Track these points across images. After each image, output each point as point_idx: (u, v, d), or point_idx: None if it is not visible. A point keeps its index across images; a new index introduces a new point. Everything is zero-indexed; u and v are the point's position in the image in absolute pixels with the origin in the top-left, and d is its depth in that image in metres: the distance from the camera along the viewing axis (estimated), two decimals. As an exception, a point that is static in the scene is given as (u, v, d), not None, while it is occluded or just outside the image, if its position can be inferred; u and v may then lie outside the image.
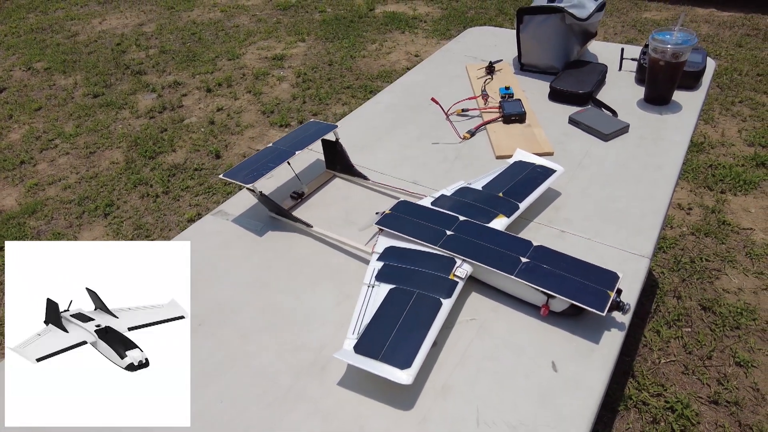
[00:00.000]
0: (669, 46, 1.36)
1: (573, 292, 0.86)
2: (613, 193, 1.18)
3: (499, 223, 1.02)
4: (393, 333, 0.83)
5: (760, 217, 2.46)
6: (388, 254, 0.99)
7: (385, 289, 0.91)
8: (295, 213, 1.22)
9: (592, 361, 0.83)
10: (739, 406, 1.77)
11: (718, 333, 1.99)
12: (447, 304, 0.87)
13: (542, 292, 0.87)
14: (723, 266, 2.24)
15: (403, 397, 0.80)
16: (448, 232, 1.00)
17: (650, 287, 2.20)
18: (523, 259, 0.92)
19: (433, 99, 1.36)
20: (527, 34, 1.66)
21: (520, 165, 1.20)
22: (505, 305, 0.94)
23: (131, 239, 2.73)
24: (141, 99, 4.08)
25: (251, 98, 3.95)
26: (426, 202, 1.10)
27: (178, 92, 4.12)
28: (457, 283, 0.91)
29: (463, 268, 0.93)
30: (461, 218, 1.03)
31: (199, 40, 5.05)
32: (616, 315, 0.89)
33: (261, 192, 1.14)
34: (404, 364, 0.78)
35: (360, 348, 0.82)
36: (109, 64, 4.70)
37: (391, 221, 1.05)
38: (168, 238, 2.74)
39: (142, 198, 3.01)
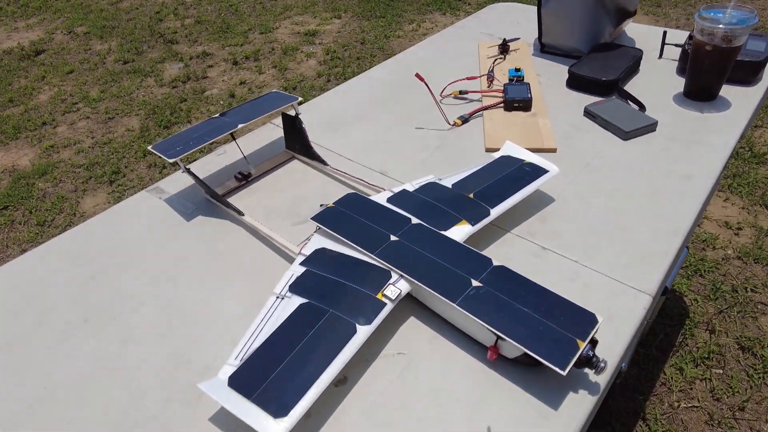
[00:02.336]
0: (720, 26, 1.08)
1: (529, 335, 0.64)
2: (622, 204, 0.93)
3: (460, 232, 0.81)
4: (282, 365, 0.64)
5: (827, 245, 2.09)
6: (315, 258, 0.79)
7: (296, 303, 0.72)
8: (236, 197, 1.04)
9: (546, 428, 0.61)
10: (770, 472, 1.48)
11: (757, 380, 1.68)
12: (363, 331, 0.67)
13: (489, 329, 0.65)
14: (772, 300, 1.91)
15: (283, 450, 0.61)
16: (392, 238, 0.79)
17: (679, 315, 1.90)
18: (474, 283, 0.71)
19: (417, 75, 1.14)
20: (549, 9, 1.40)
21: (505, 161, 0.97)
22: (447, 339, 0.73)
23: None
24: (168, 68, 4.02)
25: (276, 73, 3.81)
26: (382, 198, 0.90)
27: (204, 63, 4.04)
28: (384, 305, 0.70)
29: (396, 286, 0.72)
30: (414, 221, 0.82)
31: (236, 12, 4.96)
32: (589, 374, 0.66)
33: (188, 168, 0.97)
34: (280, 411, 0.59)
35: (236, 380, 0.63)
36: (145, 31, 4.68)
37: (331, 217, 0.85)
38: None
39: (149, 168, 2.94)
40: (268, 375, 0.63)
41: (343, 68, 3.78)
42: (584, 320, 0.65)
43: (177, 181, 1.10)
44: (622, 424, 1.58)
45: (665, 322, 1.93)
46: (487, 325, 0.65)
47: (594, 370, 0.62)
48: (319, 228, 0.85)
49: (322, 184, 1.05)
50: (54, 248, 0.95)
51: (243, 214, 0.95)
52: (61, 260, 0.92)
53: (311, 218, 0.86)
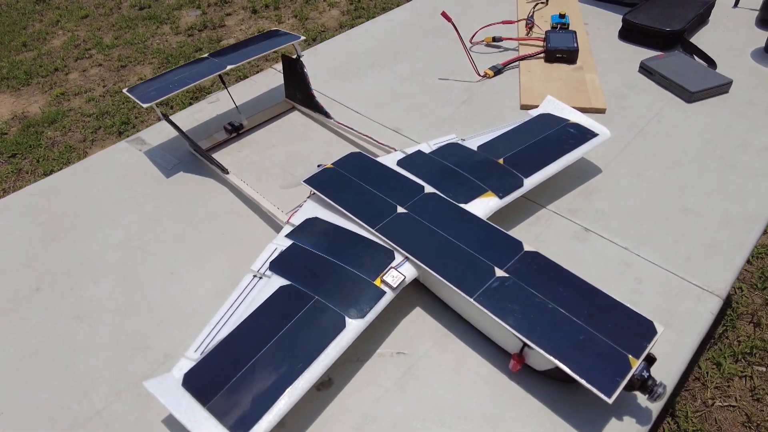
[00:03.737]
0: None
1: (565, 345, 0.49)
2: (685, 181, 0.76)
3: (484, 206, 0.65)
4: (249, 364, 0.51)
5: None
6: (304, 230, 0.66)
7: (275, 284, 0.59)
8: (224, 152, 0.90)
9: None
10: (814, 484, 1.33)
11: (805, 382, 1.50)
12: (354, 326, 0.54)
13: (514, 334, 0.51)
14: (829, 293, 1.72)
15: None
16: (399, 210, 0.65)
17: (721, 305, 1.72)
18: (498, 273, 0.56)
19: (444, 14, 0.96)
20: (606, -58, 1.18)
21: (545, 120, 0.80)
22: (461, 339, 0.59)
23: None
24: (185, 15, 3.84)
25: (296, 23, 3.60)
26: (391, 160, 0.74)
27: (223, 11, 3.84)
28: (383, 294, 0.56)
29: (399, 271, 0.58)
30: (428, 190, 0.67)
31: (259, -43, 4.69)
32: (639, 397, 0.52)
33: (166, 115, 0.83)
34: (239, 424, 0.47)
35: (192, 379, 0.51)
36: (163, -25, 4.47)
37: (327, 181, 0.71)
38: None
39: (158, 119, 2.81)
40: (231, 375, 0.50)
41: (367, 18, 3.54)
42: (639, 330, 0.50)
43: (161, 132, 0.97)
44: (648, 420, 1.45)
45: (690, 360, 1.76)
46: (511, 329, 0.51)
47: (648, 395, 0.48)
48: (313, 193, 0.71)
49: (325, 142, 0.90)
50: (14, 203, 0.83)
51: (228, 172, 0.81)
52: (20, 217, 0.80)
53: (304, 181, 0.72)
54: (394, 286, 0.57)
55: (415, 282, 0.63)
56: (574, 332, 0.50)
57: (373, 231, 0.63)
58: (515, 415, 0.51)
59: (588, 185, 0.76)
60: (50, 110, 2.97)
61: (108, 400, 0.56)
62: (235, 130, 0.92)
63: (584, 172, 0.78)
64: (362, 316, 0.54)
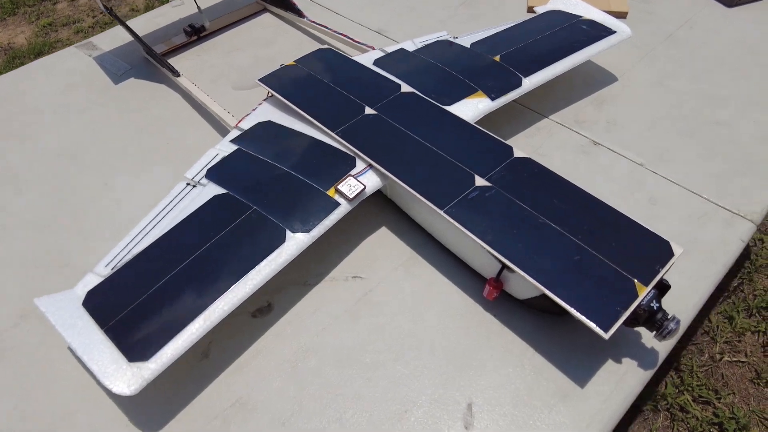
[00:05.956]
0: None
1: (556, 267, 0.39)
2: (718, 91, 0.63)
3: (471, 107, 0.54)
4: (163, 281, 0.42)
5: None
6: (253, 135, 0.55)
7: (210, 193, 0.49)
8: (182, 56, 0.79)
9: (555, 424, 0.39)
10: (823, 442, 1.26)
11: (823, 338, 1.39)
12: (297, 242, 0.44)
13: (490, 252, 0.41)
14: None
15: (159, 400, 0.41)
16: (368, 111, 0.53)
17: (738, 257, 1.61)
18: (479, 181, 0.45)
19: None
20: None
21: (554, 16, 0.67)
22: (431, 263, 0.49)
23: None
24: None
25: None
26: (367, 59, 0.62)
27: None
28: (336, 206, 0.46)
29: (359, 180, 0.48)
30: (405, 89, 0.56)
31: None
32: (644, 334, 0.42)
33: (108, 8, 0.72)
34: (140, 351, 0.38)
35: (95, 298, 0.42)
36: None
37: (287, 81, 0.59)
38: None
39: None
40: (140, 294, 0.41)
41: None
42: (651, 251, 0.39)
43: (115, 37, 0.85)
44: (650, 373, 1.37)
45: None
46: (487, 246, 0.41)
47: (656, 332, 0.38)
48: (270, 95, 0.60)
49: (297, 44, 0.78)
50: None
51: (179, 75, 0.70)
52: (-56, 121, 0.70)
53: (258, 80, 0.60)
54: (351, 197, 0.46)
55: (383, 198, 0.53)
56: (567, 252, 0.39)
57: (333, 134, 0.52)
58: (488, 354, 0.42)
59: (600, 94, 0.64)
60: (37, 41, 2.83)
61: (10, 322, 0.48)
62: (195, 32, 0.80)
63: (596, 79, 0.66)
64: (307, 231, 0.44)
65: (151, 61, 0.77)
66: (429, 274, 0.47)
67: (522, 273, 0.38)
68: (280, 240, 0.43)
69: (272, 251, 0.43)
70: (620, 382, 0.39)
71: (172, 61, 0.77)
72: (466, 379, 0.40)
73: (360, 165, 0.49)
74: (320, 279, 0.48)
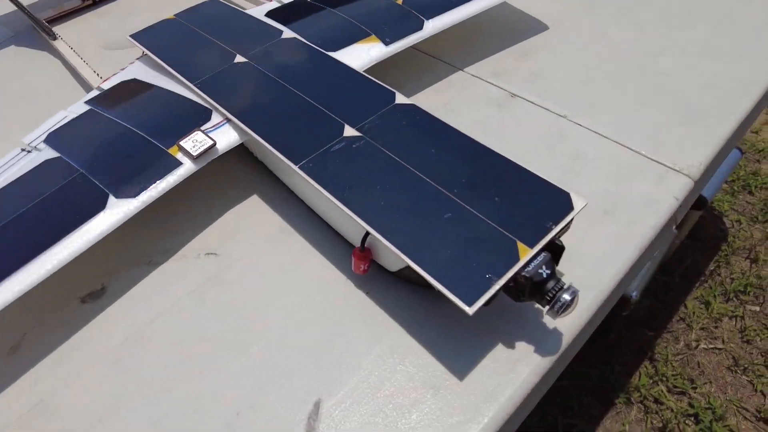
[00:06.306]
0: None
1: (425, 231, 0.31)
2: (663, 40, 0.55)
3: (362, 54, 0.45)
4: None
5: None
6: (110, 94, 0.46)
7: (42, 158, 0.40)
8: (75, 21, 0.70)
9: (422, 425, 0.30)
10: (804, 432, 1.19)
11: (803, 322, 1.33)
12: (121, 208, 0.35)
13: (350, 215, 0.32)
14: (839, 227, 1.52)
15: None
16: (237, 60, 0.45)
17: (714, 239, 1.54)
18: (348, 131, 0.37)
19: None
20: None
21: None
22: (304, 235, 0.40)
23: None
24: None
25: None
26: (261, 10, 0.54)
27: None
28: (178, 165, 0.38)
29: (209, 136, 0.39)
30: (286, 35, 0.47)
31: None
32: (533, 309, 0.34)
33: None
34: None
35: None
36: None
37: (161, 36, 0.51)
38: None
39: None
40: None
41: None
42: (545, 206, 0.31)
43: (3, 2, 0.76)
44: (622, 365, 1.30)
45: (696, 245, 1.58)
46: (344, 206, 0.32)
47: (548, 306, 0.30)
48: (145, 54, 0.51)
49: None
50: None
51: (55, 38, 0.62)
52: None
53: (130, 36, 0.52)
54: (195, 154, 0.38)
55: (258, 163, 0.45)
56: (438, 210, 0.31)
57: (192, 86, 0.43)
58: (352, 340, 0.34)
59: (525, 45, 0.55)
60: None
61: None
62: (88, -6, 0.72)
63: (524, 28, 0.57)
64: (134, 195, 0.36)
65: (35, 28, 0.68)
66: (299, 248, 0.39)
67: (379, 237, 0.30)
68: (100, 206, 0.35)
69: (87, 219, 0.34)
70: (509, 373, 0.31)
71: (63, 27, 0.69)
72: (320, 372, 0.32)
73: (216, 119, 0.41)
74: (168, 257, 0.40)
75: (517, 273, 0.28)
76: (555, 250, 0.30)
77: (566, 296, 0.28)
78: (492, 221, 0.30)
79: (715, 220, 1.58)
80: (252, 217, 0.41)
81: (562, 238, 0.30)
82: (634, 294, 1.00)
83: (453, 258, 0.29)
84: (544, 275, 0.28)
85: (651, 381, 1.28)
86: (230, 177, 0.44)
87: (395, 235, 0.30)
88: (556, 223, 0.30)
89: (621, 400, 1.25)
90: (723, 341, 1.35)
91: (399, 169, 0.34)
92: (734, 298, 1.42)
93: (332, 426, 0.30)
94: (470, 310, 0.27)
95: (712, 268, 1.48)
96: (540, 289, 0.29)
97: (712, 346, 1.33)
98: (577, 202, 0.31)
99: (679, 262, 1.53)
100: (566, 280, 0.29)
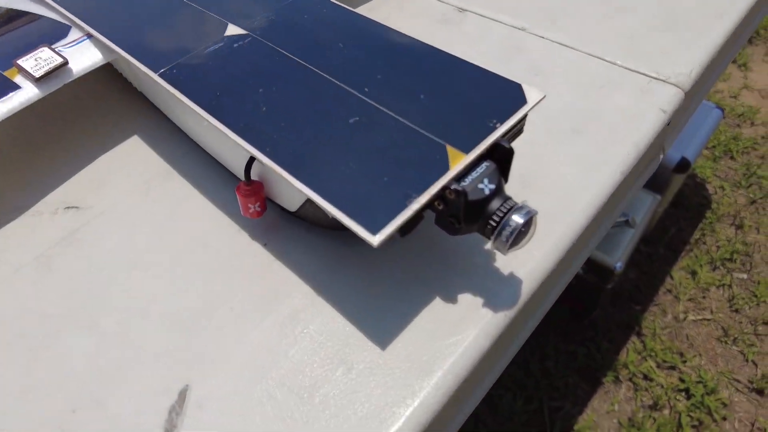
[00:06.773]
0: None
1: (318, 140, 0.22)
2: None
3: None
4: None
5: None
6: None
7: None
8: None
9: (323, 416, 0.22)
10: (798, 401, 1.13)
11: (793, 287, 1.28)
12: None
13: (226, 135, 0.24)
14: (823, 189, 1.48)
15: None
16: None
17: (698, 206, 1.48)
18: (232, 31, 0.28)
19: None
20: None
21: None
22: (188, 177, 0.31)
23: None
24: None
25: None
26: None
27: None
28: (15, 89, 0.28)
29: (58, 53, 0.30)
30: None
31: None
32: (501, 260, 0.25)
33: None
34: None
35: None
36: None
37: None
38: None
39: None
40: None
41: None
42: (488, 102, 0.23)
43: None
44: (609, 341, 1.24)
45: (680, 213, 1.52)
46: (218, 123, 0.23)
47: (493, 235, 0.21)
48: None
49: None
50: None
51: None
52: None
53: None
54: (37, 75, 0.28)
55: (141, 98, 0.35)
56: (345, 117, 0.22)
57: (48, 1, 0.34)
58: (240, 307, 0.25)
59: (479, -42, 0.47)
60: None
61: None
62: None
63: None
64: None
65: None
66: (181, 194, 0.30)
67: (266, 161, 0.21)
68: None
69: None
70: (450, 336, 0.22)
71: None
72: (191, 351, 0.23)
73: (74, 35, 0.31)
74: (19, 213, 0.30)
75: (446, 187, 0.19)
76: (503, 158, 0.21)
77: (517, 218, 0.20)
78: (413, 123, 0.21)
79: (697, 186, 1.53)
80: (128, 162, 0.32)
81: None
82: (618, 265, 0.94)
83: (359, 175, 0.20)
84: (486, 191, 0.20)
85: (639, 357, 1.21)
86: (105, 114, 0.35)
87: (282, 152, 0.21)
88: (502, 121, 0.21)
89: (609, 379, 1.19)
90: (711, 311, 1.29)
91: (292, 67, 0.25)
92: (721, 267, 1.37)
93: (201, 419, 0.21)
94: (375, 240, 0.18)
95: (697, 237, 1.43)
96: (481, 211, 0.20)
97: (700, 317, 1.28)
98: (532, 94, 0.22)
99: (663, 232, 1.47)
100: (520, 201, 0.21)
